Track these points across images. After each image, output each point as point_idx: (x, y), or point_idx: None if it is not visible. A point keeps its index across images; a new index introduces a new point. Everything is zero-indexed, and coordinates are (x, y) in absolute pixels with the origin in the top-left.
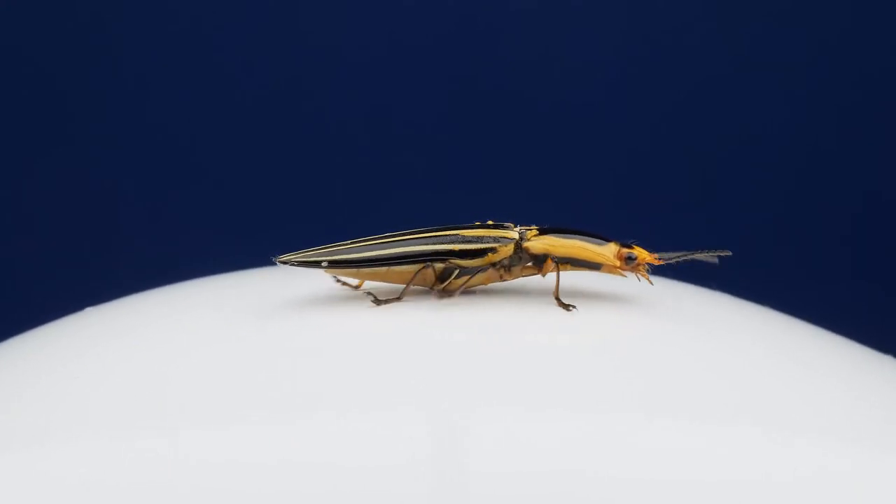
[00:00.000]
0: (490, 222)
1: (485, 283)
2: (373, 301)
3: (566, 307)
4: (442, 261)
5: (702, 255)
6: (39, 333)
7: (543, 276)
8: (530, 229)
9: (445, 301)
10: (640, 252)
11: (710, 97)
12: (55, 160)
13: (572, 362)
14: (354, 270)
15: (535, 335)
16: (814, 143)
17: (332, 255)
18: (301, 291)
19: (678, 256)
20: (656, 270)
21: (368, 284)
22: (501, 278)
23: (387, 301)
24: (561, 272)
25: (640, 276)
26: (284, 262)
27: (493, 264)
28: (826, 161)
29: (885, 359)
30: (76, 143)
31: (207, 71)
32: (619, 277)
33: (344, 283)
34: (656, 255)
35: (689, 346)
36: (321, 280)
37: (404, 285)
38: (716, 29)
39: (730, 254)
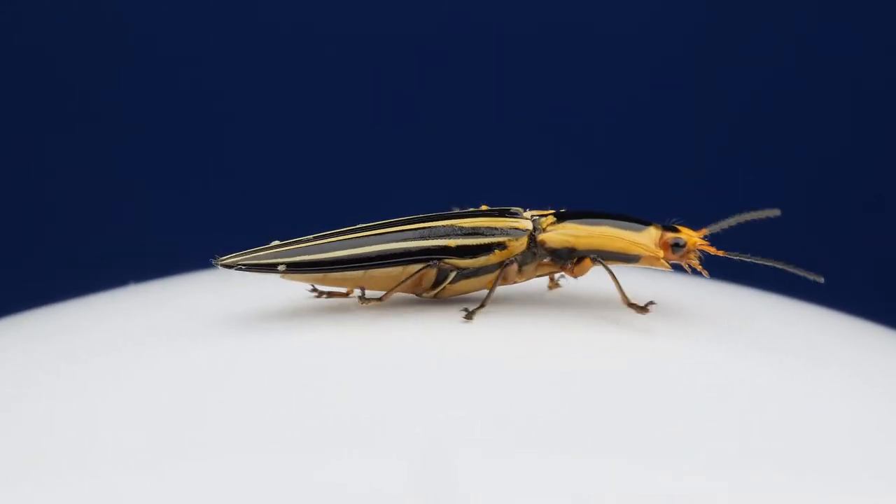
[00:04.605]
0: (484, 207)
1: (488, 287)
2: (360, 299)
3: (642, 309)
4: (433, 261)
5: (750, 215)
6: None
7: (575, 277)
8: (545, 215)
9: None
10: (688, 235)
11: (713, 94)
12: (53, 159)
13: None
14: (321, 276)
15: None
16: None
17: (290, 257)
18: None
19: (739, 252)
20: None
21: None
22: (510, 281)
23: (371, 300)
24: (589, 268)
25: (691, 267)
26: (227, 266)
27: (501, 264)
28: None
29: None
30: (75, 142)
31: (200, 71)
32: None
33: (329, 295)
34: (707, 238)
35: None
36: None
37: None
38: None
39: (778, 212)
